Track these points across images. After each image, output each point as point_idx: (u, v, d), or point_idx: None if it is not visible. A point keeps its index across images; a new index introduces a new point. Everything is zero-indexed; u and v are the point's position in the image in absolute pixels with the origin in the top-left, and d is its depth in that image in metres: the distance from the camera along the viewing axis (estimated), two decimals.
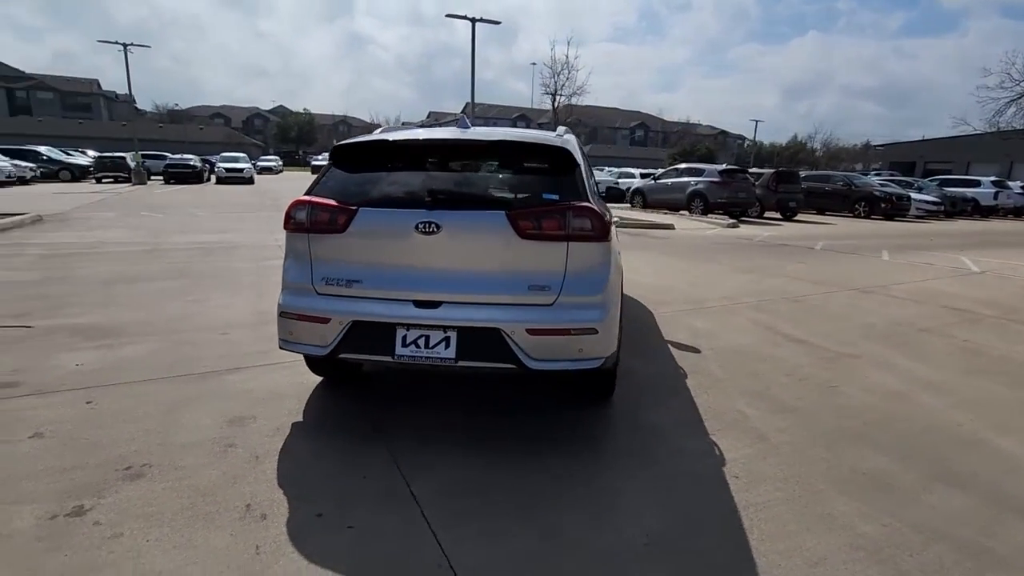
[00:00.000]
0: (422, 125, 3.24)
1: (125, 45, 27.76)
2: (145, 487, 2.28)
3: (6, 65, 58.17)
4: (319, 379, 3.39)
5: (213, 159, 31.15)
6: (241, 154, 31.15)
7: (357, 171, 2.90)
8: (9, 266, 6.71)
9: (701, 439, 2.83)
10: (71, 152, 30.54)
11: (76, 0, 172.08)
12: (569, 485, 2.39)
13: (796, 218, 17.25)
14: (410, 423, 2.93)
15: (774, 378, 3.68)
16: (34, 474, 2.34)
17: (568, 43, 14.36)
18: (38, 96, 57.25)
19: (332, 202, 2.73)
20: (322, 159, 39.91)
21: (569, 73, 14.63)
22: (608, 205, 5.54)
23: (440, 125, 3.23)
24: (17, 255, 7.47)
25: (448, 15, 19.28)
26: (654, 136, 77.69)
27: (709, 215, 15.69)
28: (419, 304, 2.63)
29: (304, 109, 63.79)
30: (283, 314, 2.77)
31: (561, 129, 3.25)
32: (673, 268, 7.85)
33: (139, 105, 73.02)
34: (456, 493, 2.32)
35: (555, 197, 2.68)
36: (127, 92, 30.56)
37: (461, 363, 2.60)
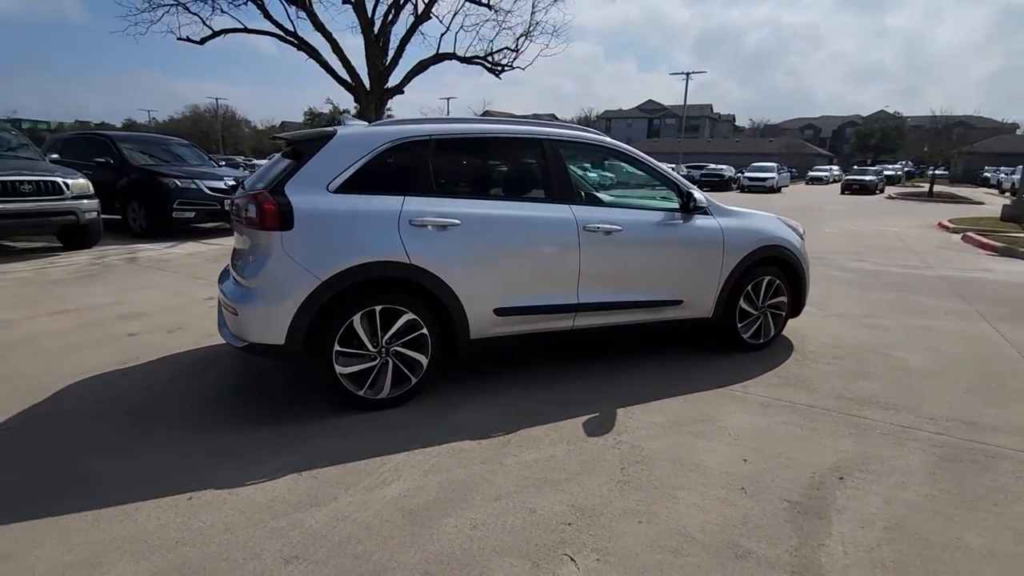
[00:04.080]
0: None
1: (687, 74, 32.82)
2: (154, 337, 4.24)
3: (653, 101, 77.04)
4: None
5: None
6: (770, 164, 31.17)
7: None
8: None
9: None
10: None
11: (717, 40, 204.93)
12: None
13: None
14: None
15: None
16: (153, 311, 4.70)
17: None
18: (666, 122, 73.26)
19: None
20: (873, 170, 34.54)
21: None
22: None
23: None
24: None
25: None
26: None
27: None
28: None
29: (895, 112, 54.96)
30: None
31: (357, 124, 3.06)
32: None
33: (738, 123, 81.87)
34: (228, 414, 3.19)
35: (260, 185, 2.90)
36: (694, 110, 35.63)
37: None
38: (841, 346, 4.35)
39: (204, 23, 16.06)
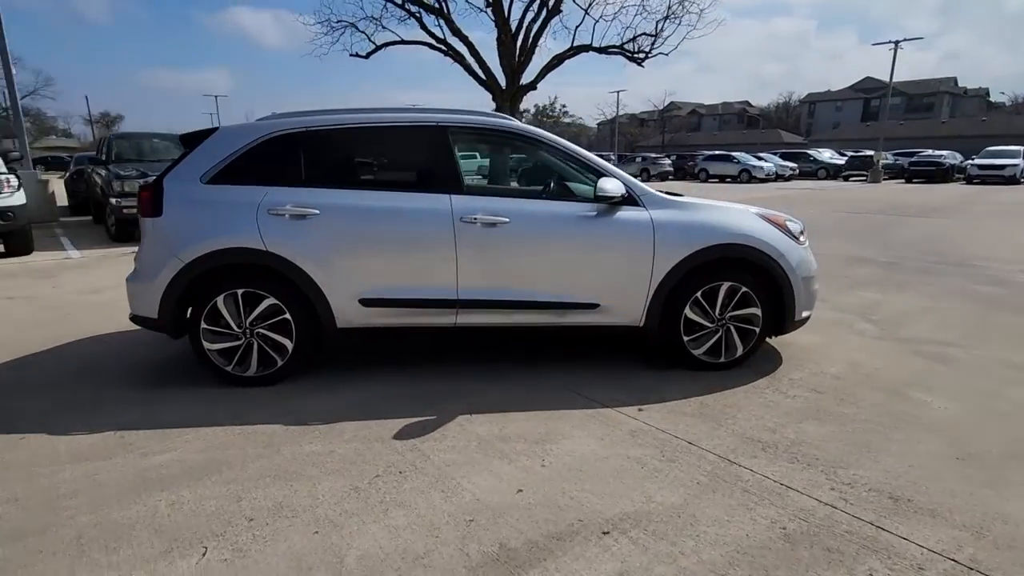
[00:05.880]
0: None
1: (896, 43, 27.17)
2: None
3: (872, 78, 65.82)
4: None
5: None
6: (1015, 148, 24.19)
7: None
8: None
9: None
10: (841, 153, 33.28)
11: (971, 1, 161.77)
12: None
13: None
14: None
15: None
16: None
17: None
18: (889, 102, 61.97)
19: None
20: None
21: None
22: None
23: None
24: None
25: None
26: None
27: None
28: None
29: None
30: None
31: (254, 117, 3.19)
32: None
33: (994, 98, 65.68)
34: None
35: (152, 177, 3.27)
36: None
37: None
38: (844, 377, 3.36)
39: (369, 39, 18.17)
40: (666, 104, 71.27)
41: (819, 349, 3.86)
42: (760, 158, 29.48)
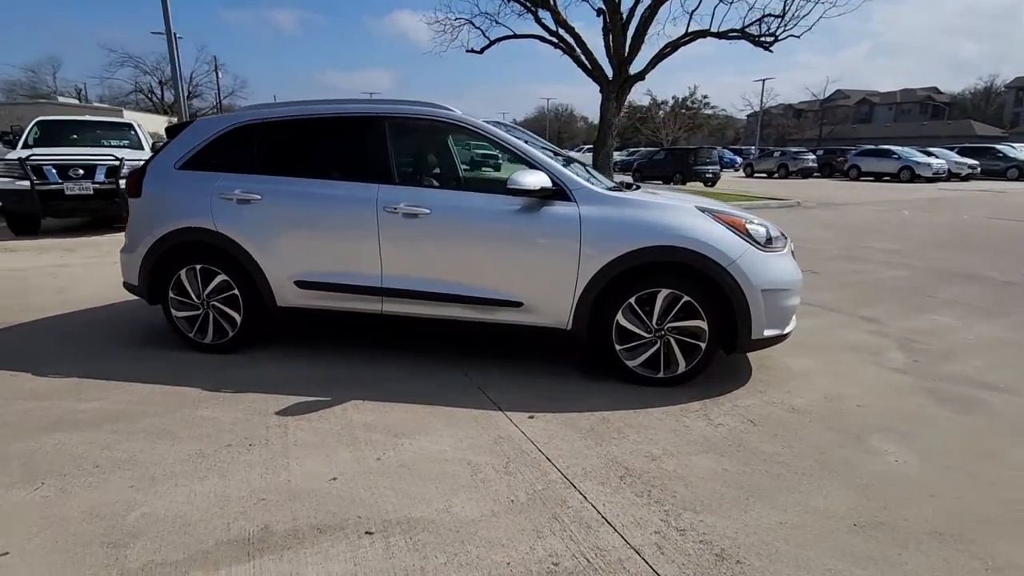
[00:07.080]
0: None
1: None
2: None
3: None
4: None
5: None
6: None
7: None
8: None
9: None
10: None
11: None
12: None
13: None
14: None
15: None
16: None
17: None
18: None
19: None
20: None
21: None
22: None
23: None
24: None
25: None
26: None
27: None
28: None
29: None
30: None
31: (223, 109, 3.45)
32: None
33: None
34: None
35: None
36: None
37: None
38: (804, 411, 2.83)
39: (484, 35, 18.68)
40: (830, 92, 63.75)
41: (806, 375, 3.28)
42: (929, 153, 25.21)
